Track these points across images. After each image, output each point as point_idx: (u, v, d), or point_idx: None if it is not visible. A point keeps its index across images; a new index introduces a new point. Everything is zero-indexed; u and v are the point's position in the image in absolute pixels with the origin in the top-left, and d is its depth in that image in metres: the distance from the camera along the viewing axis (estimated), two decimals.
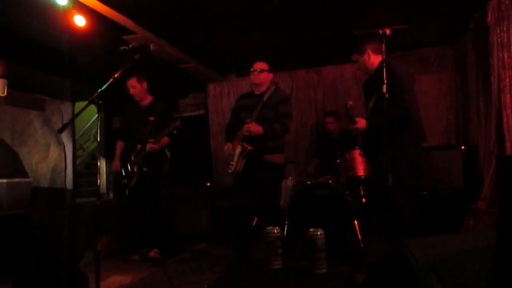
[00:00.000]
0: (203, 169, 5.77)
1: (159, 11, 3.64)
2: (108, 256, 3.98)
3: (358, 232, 3.71)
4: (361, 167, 3.81)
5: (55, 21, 3.51)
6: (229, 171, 3.51)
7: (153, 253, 3.81)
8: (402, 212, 2.73)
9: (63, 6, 3.22)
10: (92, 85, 2.59)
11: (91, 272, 2.32)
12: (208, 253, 4.28)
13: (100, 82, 2.40)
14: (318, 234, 2.45)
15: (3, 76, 4.47)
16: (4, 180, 2.87)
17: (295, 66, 5.45)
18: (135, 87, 3.96)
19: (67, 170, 5.37)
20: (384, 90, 2.57)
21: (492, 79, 3.33)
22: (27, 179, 3.23)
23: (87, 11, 3.33)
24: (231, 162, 3.46)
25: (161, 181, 3.99)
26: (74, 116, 2.85)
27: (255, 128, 3.34)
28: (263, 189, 3.49)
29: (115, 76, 2.43)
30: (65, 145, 5.41)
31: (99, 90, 2.34)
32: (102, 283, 2.28)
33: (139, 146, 3.83)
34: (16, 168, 3.42)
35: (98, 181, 2.49)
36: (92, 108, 2.36)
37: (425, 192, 3.87)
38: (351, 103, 2.96)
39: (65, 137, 5.46)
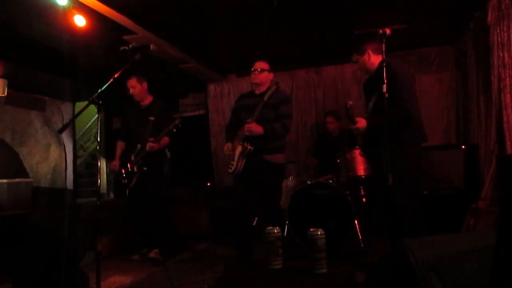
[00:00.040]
0: (204, 169, 5.78)
1: (159, 11, 3.64)
2: (108, 256, 3.97)
3: (358, 232, 3.70)
4: (361, 167, 3.81)
5: (55, 21, 3.52)
6: (229, 170, 3.51)
7: (153, 253, 3.81)
8: (402, 212, 2.72)
9: (63, 6, 3.23)
10: (92, 85, 2.59)
11: (92, 272, 2.32)
12: (208, 253, 4.28)
13: (100, 82, 2.40)
14: (318, 234, 2.44)
15: (3, 76, 4.48)
16: (5, 181, 2.88)
17: (295, 66, 5.45)
18: (135, 87, 3.95)
19: (67, 170, 5.38)
20: (384, 90, 2.57)
21: (493, 79, 3.33)
22: (27, 180, 3.24)
23: (87, 11, 3.33)
24: (232, 162, 3.46)
25: (161, 181, 3.99)
26: (75, 116, 2.86)
27: (255, 128, 3.33)
28: (264, 189, 3.49)
29: (115, 76, 2.43)
30: (66, 145, 5.42)
31: (99, 90, 2.34)
32: (102, 283, 2.28)
33: (139, 146, 3.83)
34: (16, 168, 3.43)
35: (99, 181, 2.49)
36: (92, 108, 2.36)
37: (425, 192, 3.86)
38: (351, 102, 2.96)
39: (66, 137, 5.47)
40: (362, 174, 3.80)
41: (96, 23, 3.51)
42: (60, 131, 2.54)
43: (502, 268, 1.17)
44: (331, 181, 3.96)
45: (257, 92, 3.56)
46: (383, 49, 2.66)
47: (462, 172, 3.90)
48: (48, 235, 2.55)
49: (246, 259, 3.39)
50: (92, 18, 3.44)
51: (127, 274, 3.45)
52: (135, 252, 4.05)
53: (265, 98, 3.40)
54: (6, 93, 4.51)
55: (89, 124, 8.33)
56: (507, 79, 3.19)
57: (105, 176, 6.01)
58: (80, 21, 3.41)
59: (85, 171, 8.04)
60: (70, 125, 5.23)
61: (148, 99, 4.06)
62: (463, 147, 4.07)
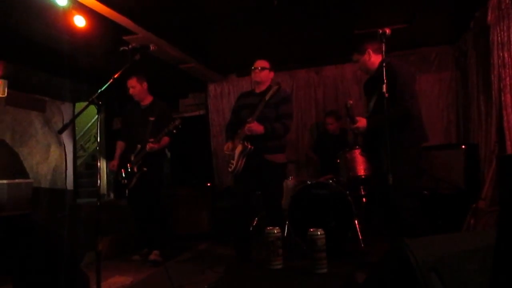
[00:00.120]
0: (204, 169, 5.77)
1: (159, 12, 3.64)
2: (108, 256, 3.98)
3: (358, 232, 3.70)
4: (361, 167, 3.81)
5: (55, 21, 3.52)
6: (229, 169, 3.51)
7: (153, 255, 3.80)
8: (402, 211, 2.72)
9: (63, 6, 3.23)
10: (92, 86, 2.59)
11: (92, 272, 2.32)
12: (209, 253, 4.28)
13: (100, 83, 2.40)
14: (318, 234, 2.44)
15: (3, 77, 4.48)
16: (5, 181, 2.88)
17: (295, 66, 5.45)
18: (135, 87, 3.95)
19: (67, 170, 5.38)
20: (384, 90, 2.57)
21: (493, 78, 3.33)
22: (28, 180, 3.24)
23: (87, 11, 3.33)
24: (232, 161, 3.45)
25: (161, 181, 4.00)
26: (75, 117, 2.85)
27: (256, 127, 3.32)
28: (266, 189, 3.48)
29: (115, 76, 2.43)
30: (66, 146, 5.42)
31: (99, 91, 2.34)
32: (103, 284, 2.27)
33: (139, 146, 3.83)
34: (17, 169, 3.42)
35: (99, 181, 2.49)
36: (92, 108, 2.35)
37: (425, 192, 3.86)
38: (351, 102, 2.96)
39: (66, 137, 5.46)
40: (362, 174, 3.80)
41: (96, 23, 3.52)
42: (60, 131, 2.53)
43: (502, 268, 1.16)
44: (331, 181, 3.96)
45: (257, 91, 3.56)
46: (383, 49, 2.66)
47: (463, 172, 3.90)
48: (48, 235, 2.54)
49: (247, 259, 3.39)
50: (92, 19, 3.44)
51: (127, 275, 3.45)
52: (135, 253, 4.05)
53: (267, 98, 3.37)
54: (6, 94, 4.51)
55: (89, 124, 8.32)
56: (507, 79, 3.19)
57: (105, 176, 6.00)
58: (80, 21, 3.41)
59: (85, 171, 8.04)
60: (70, 126, 5.22)
61: (148, 99, 4.06)
62: (463, 147, 4.07)
